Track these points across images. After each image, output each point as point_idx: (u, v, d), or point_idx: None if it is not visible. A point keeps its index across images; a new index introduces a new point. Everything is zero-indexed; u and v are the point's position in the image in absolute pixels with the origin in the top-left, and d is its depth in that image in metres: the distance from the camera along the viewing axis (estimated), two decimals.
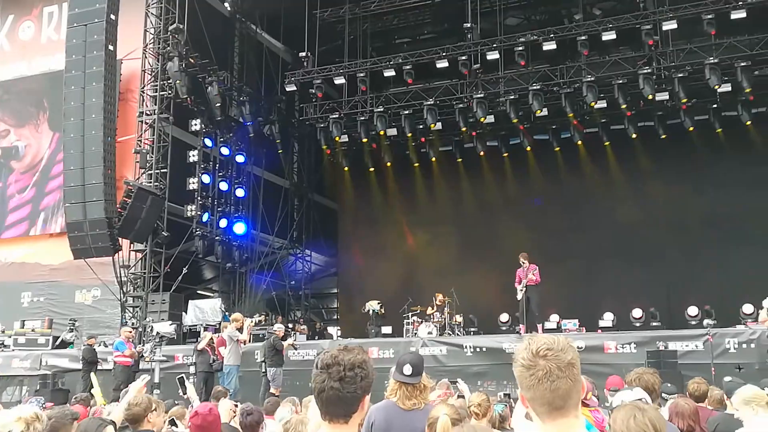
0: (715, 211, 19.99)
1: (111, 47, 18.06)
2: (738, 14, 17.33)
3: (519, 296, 15.84)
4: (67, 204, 17.80)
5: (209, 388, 12.83)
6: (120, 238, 17.86)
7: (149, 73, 19.45)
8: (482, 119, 19.89)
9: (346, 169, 24.11)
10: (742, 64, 17.87)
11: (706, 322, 15.51)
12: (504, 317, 17.08)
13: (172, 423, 6.36)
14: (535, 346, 2.13)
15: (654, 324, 16.53)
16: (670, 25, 17.84)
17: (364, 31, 22.87)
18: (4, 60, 23.19)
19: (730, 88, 18.45)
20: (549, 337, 2.22)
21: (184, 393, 8.71)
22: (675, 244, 20.20)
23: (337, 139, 21.64)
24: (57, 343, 18.37)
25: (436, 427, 3.74)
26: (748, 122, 19.74)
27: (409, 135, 21.52)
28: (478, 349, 14.93)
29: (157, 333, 16.52)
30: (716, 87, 18.11)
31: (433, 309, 17.44)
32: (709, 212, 20.09)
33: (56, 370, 16.82)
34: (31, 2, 22.97)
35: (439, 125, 20.78)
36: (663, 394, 7.79)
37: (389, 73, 20.35)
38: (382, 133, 20.89)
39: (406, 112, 20.66)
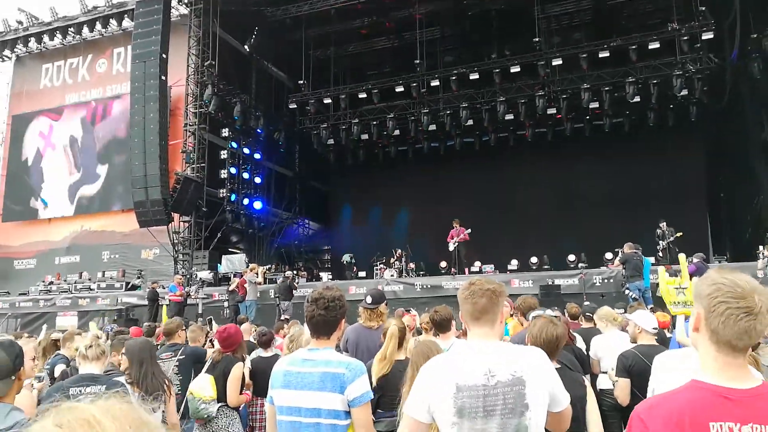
0: (586, 190, 20.13)
1: (163, 77, 17.45)
2: (603, 54, 17.46)
3: (451, 248, 15.81)
4: (134, 189, 17.27)
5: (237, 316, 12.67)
6: (172, 213, 17.47)
7: (191, 96, 18.80)
8: (427, 128, 19.68)
9: (332, 162, 23.76)
10: (606, 88, 17.98)
11: (580, 265, 15.72)
12: (443, 264, 17.06)
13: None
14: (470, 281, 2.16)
15: (545, 267, 16.70)
16: (557, 62, 17.84)
17: (344, 66, 22.55)
18: (86, 87, 22.35)
19: (597, 105, 18.49)
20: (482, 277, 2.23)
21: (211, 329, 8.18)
22: (559, 213, 20.24)
23: (325, 142, 21.37)
24: (129, 287, 18.05)
25: (387, 333, 3.73)
26: (607, 129, 19.78)
27: (376, 139, 21.21)
28: (425, 286, 14.96)
29: (200, 278, 16.36)
30: (589, 105, 18.22)
31: (393, 259, 17.41)
32: (582, 190, 20.22)
33: (128, 305, 16.51)
34: (105, 45, 22.08)
35: (397, 132, 20.49)
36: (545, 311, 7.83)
37: (362, 95, 19.99)
38: (357, 137, 20.56)
39: (375, 122, 20.31)
